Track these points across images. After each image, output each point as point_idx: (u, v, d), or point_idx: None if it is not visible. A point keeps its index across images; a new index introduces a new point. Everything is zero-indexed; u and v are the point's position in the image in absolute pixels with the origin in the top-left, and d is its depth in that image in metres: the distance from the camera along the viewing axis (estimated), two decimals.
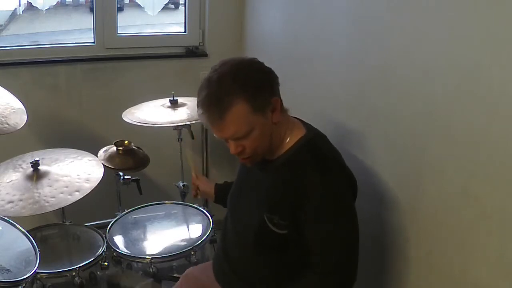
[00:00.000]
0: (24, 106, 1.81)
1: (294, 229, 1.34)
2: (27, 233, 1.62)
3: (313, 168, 1.33)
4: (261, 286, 1.47)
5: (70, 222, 2.05)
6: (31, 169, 1.79)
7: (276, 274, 1.44)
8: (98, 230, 1.99)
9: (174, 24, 2.86)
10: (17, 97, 1.84)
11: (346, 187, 1.37)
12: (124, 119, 2.15)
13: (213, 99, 1.28)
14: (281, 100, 1.36)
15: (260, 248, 1.43)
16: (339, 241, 1.33)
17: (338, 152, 1.42)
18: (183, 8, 2.70)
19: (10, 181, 1.77)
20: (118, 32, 2.55)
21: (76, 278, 1.73)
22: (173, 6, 2.94)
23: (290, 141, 1.40)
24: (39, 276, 1.68)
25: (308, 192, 1.31)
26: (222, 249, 1.58)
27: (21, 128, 1.70)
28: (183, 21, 2.70)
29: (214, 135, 1.36)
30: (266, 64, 1.37)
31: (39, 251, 1.53)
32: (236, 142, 1.34)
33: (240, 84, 1.27)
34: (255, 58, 1.38)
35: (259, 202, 1.41)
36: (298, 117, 1.48)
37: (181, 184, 2.31)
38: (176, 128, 2.20)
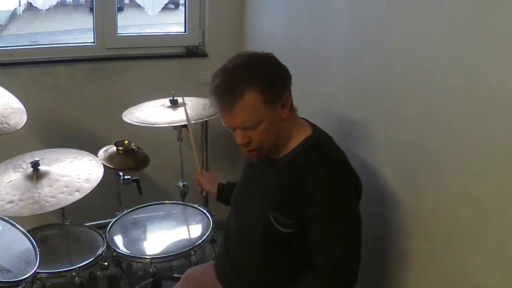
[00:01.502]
0: (24, 106, 1.81)
1: (299, 228, 1.34)
2: (27, 233, 1.61)
3: (318, 168, 1.33)
4: (263, 286, 1.47)
5: (70, 222, 2.05)
6: (31, 169, 1.79)
7: (278, 274, 1.44)
8: (98, 230, 1.99)
9: (174, 24, 2.86)
10: (17, 97, 1.84)
11: (351, 187, 1.37)
12: (124, 119, 2.15)
13: (227, 86, 1.30)
14: (291, 98, 1.38)
15: (264, 248, 1.43)
16: (342, 241, 1.33)
17: (343, 152, 1.43)
18: (183, 8, 2.70)
19: (10, 181, 1.77)
20: (118, 32, 2.55)
21: (76, 278, 1.73)
22: (173, 6, 2.94)
23: (296, 140, 1.40)
24: (39, 276, 1.68)
25: (312, 191, 1.31)
26: (224, 248, 1.58)
27: (21, 128, 1.70)
28: (183, 21, 2.71)
29: (223, 124, 1.36)
30: None
31: (39, 251, 1.53)
32: (244, 132, 1.34)
33: (255, 75, 1.29)
34: (271, 53, 1.39)
35: (265, 201, 1.42)
36: (305, 118, 1.48)
37: (181, 184, 2.31)
38: (176, 128, 2.20)
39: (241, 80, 1.28)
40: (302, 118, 1.47)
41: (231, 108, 1.29)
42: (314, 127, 1.45)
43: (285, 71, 1.37)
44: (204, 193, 1.89)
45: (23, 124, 1.72)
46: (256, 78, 1.29)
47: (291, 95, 1.38)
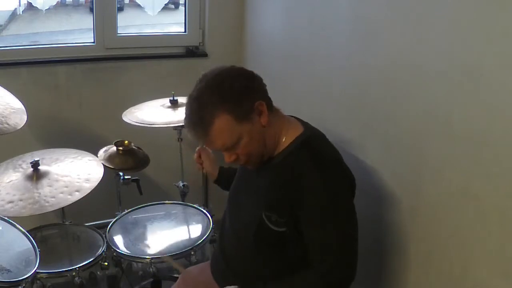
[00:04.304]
0: (24, 106, 1.81)
1: (293, 227, 1.35)
2: (27, 233, 1.62)
3: (310, 166, 1.33)
4: (259, 285, 1.47)
5: (70, 222, 2.05)
6: (31, 169, 1.79)
7: (274, 272, 1.44)
8: (98, 230, 1.99)
9: (174, 24, 2.86)
10: (17, 97, 1.84)
11: (344, 185, 1.37)
12: (124, 119, 2.15)
13: (195, 117, 1.31)
14: (269, 101, 1.37)
15: (259, 247, 1.43)
16: (338, 239, 1.33)
17: (336, 150, 1.42)
18: (183, 8, 2.70)
19: (10, 181, 1.77)
20: (118, 32, 2.55)
21: (76, 278, 1.73)
22: (173, 6, 2.93)
23: (286, 140, 1.40)
24: (39, 276, 1.68)
25: (306, 190, 1.31)
26: (220, 247, 1.58)
27: (21, 128, 1.70)
28: (183, 21, 2.70)
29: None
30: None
31: (39, 251, 1.53)
32: (228, 152, 1.36)
33: (219, 97, 1.29)
34: (233, 65, 1.38)
35: (258, 201, 1.42)
36: (296, 116, 1.48)
37: (181, 184, 2.31)
38: (176, 128, 2.20)
39: (207, 107, 1.28)
40: (291, 116, 1.46)
41: (207, 137, 1.31)
42: (305, 125, 1.45)
43: (252, 78, 1.35)
44: (204, 171, 1.83)
45: (23, 124, 1.72)
46: (221, 99, 1.28)
47: (267, 98, 1.36)
